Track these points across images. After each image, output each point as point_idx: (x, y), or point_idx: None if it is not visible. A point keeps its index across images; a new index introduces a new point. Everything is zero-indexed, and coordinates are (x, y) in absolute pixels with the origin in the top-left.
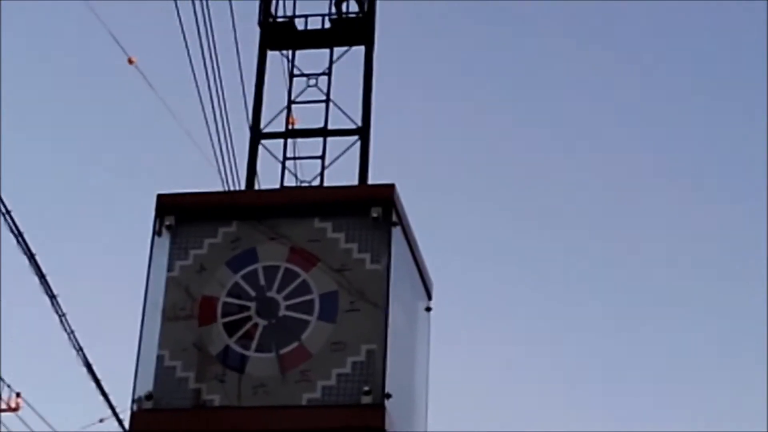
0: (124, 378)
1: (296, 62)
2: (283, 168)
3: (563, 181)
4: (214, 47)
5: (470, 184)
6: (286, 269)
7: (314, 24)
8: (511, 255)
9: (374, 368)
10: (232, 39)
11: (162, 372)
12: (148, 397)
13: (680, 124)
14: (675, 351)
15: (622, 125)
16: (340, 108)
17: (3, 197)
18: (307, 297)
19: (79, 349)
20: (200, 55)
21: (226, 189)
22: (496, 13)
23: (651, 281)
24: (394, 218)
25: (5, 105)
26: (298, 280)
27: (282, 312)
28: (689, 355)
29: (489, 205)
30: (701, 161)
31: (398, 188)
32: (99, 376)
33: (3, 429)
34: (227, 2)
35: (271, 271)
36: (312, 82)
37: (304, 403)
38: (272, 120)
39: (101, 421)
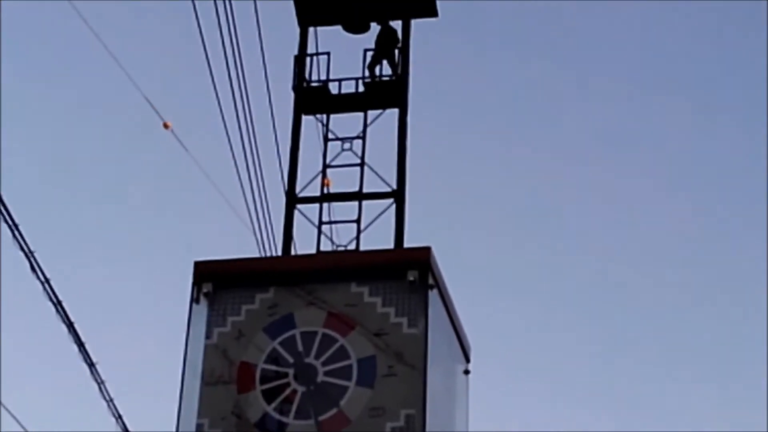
0: None
1: (331, 126)
2: (319, 232)
3: (598, 239)
4: (250, 112)
5: (508, 245)
6: (324, 334)
7: (348, 88)
8: (553, 318)
9: None
10: (267, 104)
11: None
12: None
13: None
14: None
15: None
16: (374, 171)
17: (43, 269)
18: (345, 362)
19: (118, 417)
20: (235, 120)
21: (263, 254)
22: (533, 71)
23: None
24: (431, 281)
25: (41, 163)
26: (336, 345)
27: (320, 378)
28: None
29: (528, 266)
30: None
31: (434, 250)
32: None
33: None
34: (261, 67)
35: (308, 337)
36: (347, 145)
37: None
38: (308, 184)
39: None
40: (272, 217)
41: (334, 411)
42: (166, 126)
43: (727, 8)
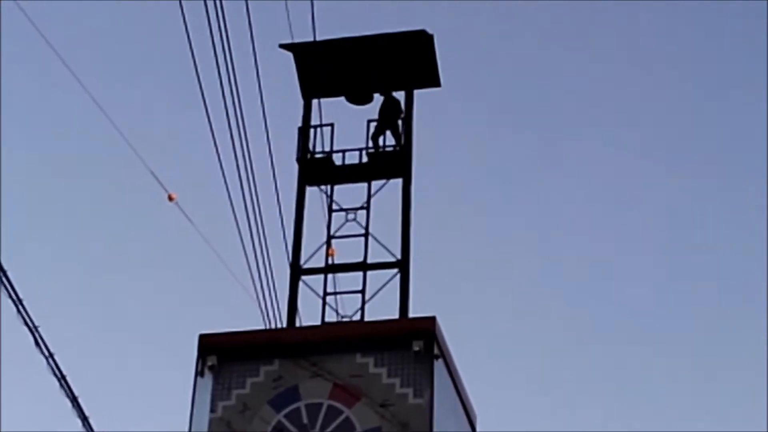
0: None
1: (335, 196)
2: (324, 303)
3: (604, 304)
4: (254, 183)
5: (514, 314)
6: (329, 406)
7: (352, 158)
8: (558, 386)
9: None
10: (271, 175)
11: None
12: None
13: None
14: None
15: None
16: (379, 241)
17: (47, 343)
18: None
19: None
20: (240, 191)
21: (268, 326)
22: (536, 140)
23: None
24: (436, 351)
25: (46, 236)
26: (341, 417)
27: None
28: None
29: (534, 335)
30: None
31: (439, 320)
32: None
33: None
34: (265, 138)
35: (313, 409)
36: (351, 216)
37: None
38: (312, 255)
39: None
40: (277, 289)
41: None
42: (170, 198)
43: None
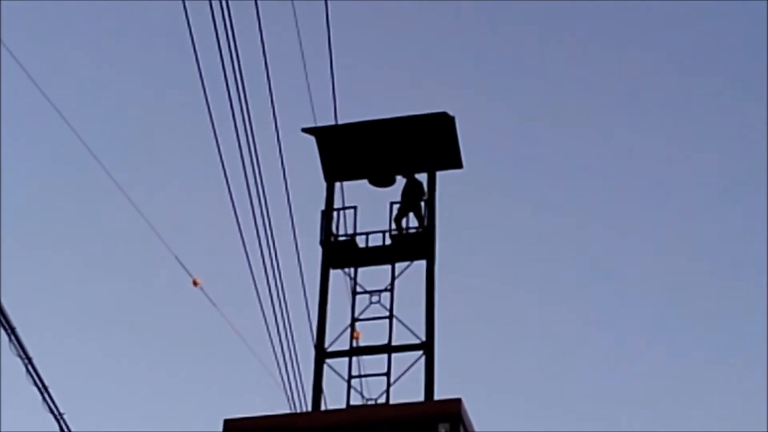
0: None
1: (359, 278)
2: (349, 386)
3: (633, 379)
4: (278, 267)
5: (540, 394)
6: None
7: (375, 241)
8: None
9: None
10: (295, 259)
11: None
12: None
13: None
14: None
15: None
16: (403, 323)
17: (59, 408)
18: None
19: None
20: (264, 275)
21: (293, 409)
22: (558, 216)
23: None
24: None
25: (73, 320)
26: None
27: None
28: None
29: (561, 416)
30: None
31: (465, 402)
32: None
33: None
34: (289, 222)
35: None
36: (375, 298)
37: None
38: (337, 338)
39: None
40: (302, 372)
41: None
42: (195, 283)
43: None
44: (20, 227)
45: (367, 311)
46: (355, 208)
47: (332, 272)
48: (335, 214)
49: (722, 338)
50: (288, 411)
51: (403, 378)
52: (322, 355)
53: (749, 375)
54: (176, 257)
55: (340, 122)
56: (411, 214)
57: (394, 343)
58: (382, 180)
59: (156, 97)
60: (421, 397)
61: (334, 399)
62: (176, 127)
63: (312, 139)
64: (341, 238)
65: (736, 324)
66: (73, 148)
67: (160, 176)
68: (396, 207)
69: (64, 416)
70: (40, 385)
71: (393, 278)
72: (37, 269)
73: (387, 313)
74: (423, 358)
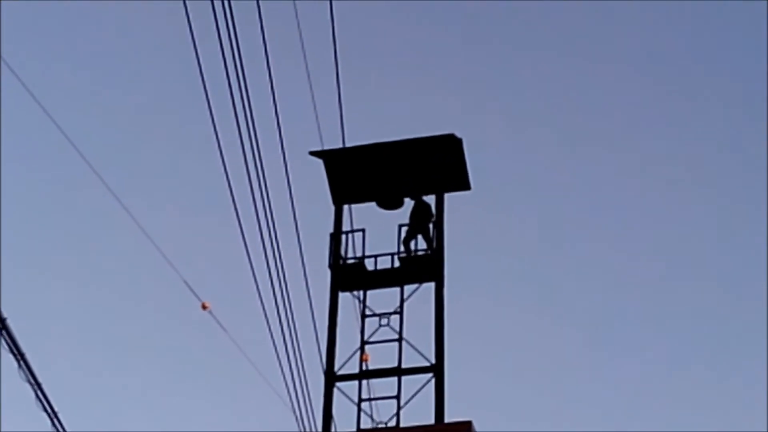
0: None
1: (367, 301)
2: (359, 410)
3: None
4: (287, 291)
5: (551, 416)
6: None
7: (384, 263)
8: None
9: None
10: (304, 282)
11: None
12: None
13: None
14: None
15: None
16: (413, 346)
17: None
18: None
19: None
20: (273, 299)
21: None
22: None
23: None
24: None
25: (82, 347)
26: None
27: None
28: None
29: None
30: None
31: (475, 424)
32: None
33: None
34: (297, 246)
35: None
36: (384, 321)
37: None
38: (346, 362)
39: None
40: (311, 396)
41: None
42: (204, 307)
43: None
44: (24, 247)
45: (376, 334)
46: (363, 230)
47: (341, 295)
48: (344, 237)
49: (724, 352)
50: None
51: (413, 401)
52: (331, 378)
53: (750, 377)
54: (185, 281)
55: (347, 145)
56: (419, 237)
57: (403, 366)
58: (391, 202)
59: (163, 120)
60: (431, 420)
61: (344, 423)
62: (184, 151)
63: (320, 162)
64: (350, 261)
65: (737, 331)
66: (79, 171)
67: (167, 200)
68: (404, 229)
69: None
70: (49, 411)
71: (402, 301)
72: (44, 295)
73: (396, 336)
74: (433, 381)
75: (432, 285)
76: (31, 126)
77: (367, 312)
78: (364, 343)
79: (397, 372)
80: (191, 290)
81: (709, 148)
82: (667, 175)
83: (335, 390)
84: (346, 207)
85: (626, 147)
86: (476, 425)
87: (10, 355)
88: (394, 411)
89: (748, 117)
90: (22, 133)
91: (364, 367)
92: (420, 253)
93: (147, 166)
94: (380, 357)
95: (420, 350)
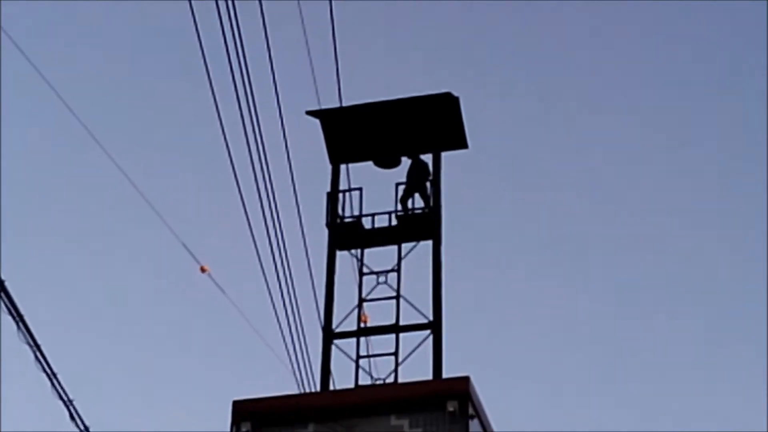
0: None
1: (365, 260)
2: (357, 366)
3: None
4: (284, 250)
5: (547, 371)
6: None
7: (381, 222)
8: None
9: None
10: (301, 241)
11: None
12: None
13: None
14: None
15: None
16: (411, 303)
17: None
18: None
19: None
20: (271, 259)
21: (301, 391)
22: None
23: None
24: (471, 411)
25: (82, 309)
26: None
27: None
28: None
29: (568, 391)
30: None
31: (473, 380)
32: None
33: None
34: (295, 205)
35: None
36: (382, 279)
37: None
38: (344, 319)
39: None
40: (310, 353)
41: None
42: (203, 270)
43: None
44: (25, 214)
45: (374, 292)
46: (360, 189)
47: (339, 254)
48: (341, 196)
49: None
50: (297, 392)
51: (411, 358)
52: (330, 336)
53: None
54: (183, 244)
55: (344, 104)
56: (417, 195)
57: (401, 323)
58: (388, 161)
59: (158, 81)
60: (429, 376)
61: (342, 379)
62: (180, 113)
63: (317, 121)
64: (347, 220)
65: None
66: (78, 136)
67: (165, 163)
68: (401, 188)
69: (74, 402)
70: (48, 372)
71: (399, 258)
72: (44, 258)
73: (394, 294)
74: (430, 338)
75: (429, 243)
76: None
77: (365, 270)
78: (361, 300)
79: (395, 329)
80: (190, 253)
81: None
82: (679, 137)
83: (333, 347)
84: (343, 166)
85: (629, 104)
86: (474, 381)
87: (9, 318)
88: (392, 367)
89: None
90: (15, 92)
91: (362, 325)
92: (417, 211)
93: (144, 129)
94: (378, 315)
95: (418, 307)
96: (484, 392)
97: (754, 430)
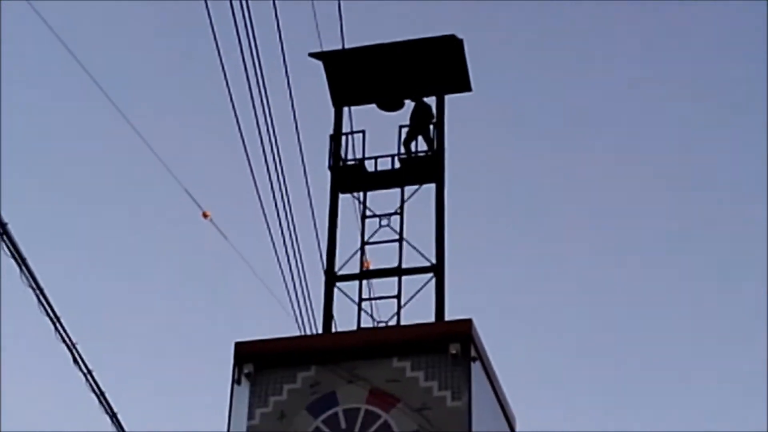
0: None
1: (368, 203)
2: (359, 309)
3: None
4: (287, 193)
5: (550, 314)
6: (367, 411)
7: (384, 165)
8: (595, 386)
9: None
10: (304, 184)
11: None
12: None
13: None
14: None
15: None
16: (413, 246)
17: (85, 360)
18: None
19: None
20: (272, 201)
21: (303, 333)
22: (567, 141)
23: None
24: (473, 353)
25: (82, 253)
26: (379, 422)
27: None
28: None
29: (572, 334)
30: None
31: (476, 322)
32: None
33: None
34: (297, 147)
35: (351, 414)
36: (384, 222)
37: None
38: (346, 262)
39: None
40: (312, 296)
41: None
42: (205, 215)
43: None
44: (25, 162)
45: (376, 235)
46: (363, 132)
47: (341, 197)
48: (343, 138)
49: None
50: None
51: (413, 301)
52: (332, 278)
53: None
54: (185, 190)
55: (347, 47)
56: (420, 138)
57: (404, 266)
58: (391, 104)
59: (158, 24)
60: (431, 319)
61: (344, 322)
62: (181, 56)
63: (319, 64)
64: (350, 163)
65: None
66: (79, 82)
67: (166, 107)
68: (405, 131)
69: (77, 346)
70: (52, 316)
71: (402, 201)
72: (45, 200)
73: (397, 237)
74: (433, 281)
75: (432, 186)
76: (32, 36)
77: (368, 213)
78: (364, 243)
79: (398, 272)
80: (192, 199)
81: None
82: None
83: (335, 290)
84: (346, 109)
85: (634, 52)
86: (477, 323)
87: (12, 260)
88: (395, 310)
89: None
90: (20, 42)
91: (364, 268)
92: (420, 154)
93: (145, 74)
94: (381, 258)
95: (420, 250)
96: (486, 336)
97: (753, 430)
